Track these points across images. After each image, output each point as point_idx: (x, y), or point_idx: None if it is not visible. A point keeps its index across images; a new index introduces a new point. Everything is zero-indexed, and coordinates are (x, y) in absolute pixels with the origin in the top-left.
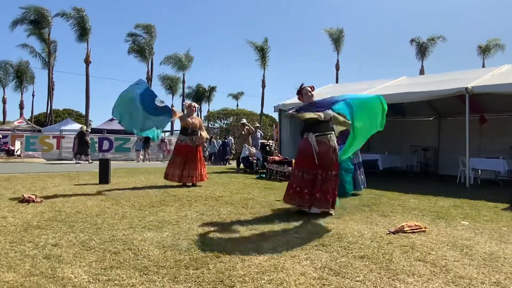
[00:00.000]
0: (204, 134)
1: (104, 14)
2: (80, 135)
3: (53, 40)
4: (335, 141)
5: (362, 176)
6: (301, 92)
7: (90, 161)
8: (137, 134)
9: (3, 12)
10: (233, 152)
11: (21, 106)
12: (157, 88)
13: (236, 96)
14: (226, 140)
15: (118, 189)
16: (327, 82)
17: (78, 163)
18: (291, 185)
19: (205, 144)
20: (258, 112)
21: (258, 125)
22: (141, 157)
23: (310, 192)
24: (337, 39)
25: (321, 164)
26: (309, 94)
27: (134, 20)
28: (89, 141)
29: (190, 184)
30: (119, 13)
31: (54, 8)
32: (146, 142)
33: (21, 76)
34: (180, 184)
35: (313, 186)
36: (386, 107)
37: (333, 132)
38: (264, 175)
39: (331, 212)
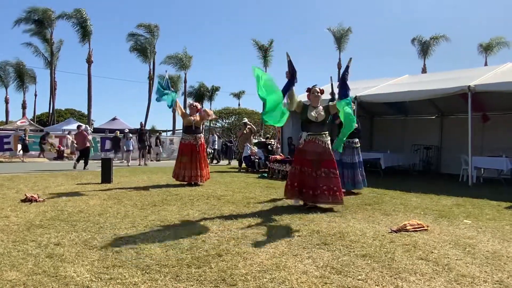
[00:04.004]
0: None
1: (106, 13)
2: (114, 139)
3: (60, 40)
4: (328, 141)
5: (362, 176)
6: (310, 90)
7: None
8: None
9: (4, 12)
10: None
11: (24, 106)
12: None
13: (238, 95)
14: (231, 139)
15: (120, 189)
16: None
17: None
18: (288, 181)
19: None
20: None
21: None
22: (129, 157)
23: (307, 187)
24: (340, 38)
25: (310, 161)
26: (316, 94)
27: (137, 19)
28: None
29: (193, 183)
30: (122, 13)
31: (56, 6)
32: (141, 141)
33: (22, 76)
34: (185, 183)
35: (309, 182)
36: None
37: (327, 133)
38: (266, 174)
39: (334, 208)
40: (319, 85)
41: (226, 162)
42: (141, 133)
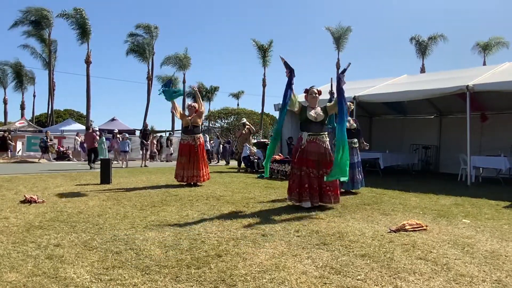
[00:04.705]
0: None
1: (105, 14)
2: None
3: (53, 40)
4: (328, 142)
5: (360, 176)
6: (308, 91)
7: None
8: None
9: (3, 13)
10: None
11: (22, 107)
12: (157, 87)
13: (236, 95)
14: (229, 140)
15: (120, 189)
16: (328, 80)
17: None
18: (295, 185)
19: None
20: (259, 111)
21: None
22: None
23: (309, 188)
24: (338, 38)
25: (314, 162)
26: (314, 95)
27: (136, 19)
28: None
29: (192, 183)
30: (120, 13)
31: (55, 8)
32: (144, 142)
33: (21, 77)
34: (184, 183)
35: (315, 183)
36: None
37: (326, 133)
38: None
39: (333, 206)
40: (317, 86)
41: (225, 162)
42: (145, 134)
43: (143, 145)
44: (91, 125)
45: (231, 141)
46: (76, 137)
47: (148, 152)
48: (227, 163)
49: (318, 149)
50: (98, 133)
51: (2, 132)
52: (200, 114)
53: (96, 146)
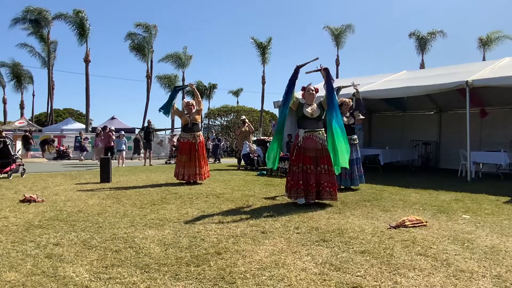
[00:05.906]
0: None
1: (103, 12)
2: (134, 140)
3: (53, 40)
4: (325, 138)
5: (359, 172)
6: (305, 89)
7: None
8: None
9: (1, 14)
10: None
11: (22, 106)
12: (156, 87)
13: (236, 93)
14: (219, 138)
15: (119, 188)
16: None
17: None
18: (291, 181)
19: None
20: (258, 108)
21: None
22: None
23: (311, 185)
24: (338, 35)
25: (311, 158)
26: (311, 92)
27: (134, 18)
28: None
29: (192, 181)
30: (119, 12)
31: (54, 7)
32: (147, 140)
33: (20, 77)
34: (184, 182)
35: (312, 179)
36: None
37: (322, 129)
38: (265, 172)
39: (332, 203)
40: (314, 83)
41: (227, 161)
42: (147, 132)
43: (146, 144)
44: (90, 123)
45: (221, 139)
46: (96, 137)
47: (151, 151)
48: (219, 160)
49: (315, 145)
50: (114, 133)
51: (24, 132)
52: (198, 111)
53: (112, 145)
